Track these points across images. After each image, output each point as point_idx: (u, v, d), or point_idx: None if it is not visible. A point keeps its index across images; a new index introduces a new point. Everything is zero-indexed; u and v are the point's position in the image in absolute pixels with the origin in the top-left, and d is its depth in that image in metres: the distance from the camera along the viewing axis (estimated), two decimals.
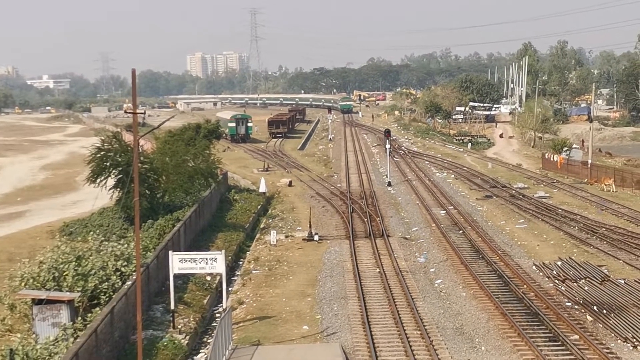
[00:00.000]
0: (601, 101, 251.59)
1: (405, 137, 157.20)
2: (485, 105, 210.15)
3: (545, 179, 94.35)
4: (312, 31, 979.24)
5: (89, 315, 34.11)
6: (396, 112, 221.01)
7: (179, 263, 37.71)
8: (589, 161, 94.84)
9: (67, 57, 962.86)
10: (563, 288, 44.33)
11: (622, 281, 45.18)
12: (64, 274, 37.18)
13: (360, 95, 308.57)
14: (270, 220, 68.41)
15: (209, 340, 37.75)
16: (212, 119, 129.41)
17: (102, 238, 44.03)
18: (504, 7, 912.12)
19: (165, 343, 35.31)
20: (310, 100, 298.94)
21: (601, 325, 37.71)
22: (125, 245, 42.07)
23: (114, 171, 58.17)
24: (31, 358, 29.84)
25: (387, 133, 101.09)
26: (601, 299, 41.58)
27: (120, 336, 33.89)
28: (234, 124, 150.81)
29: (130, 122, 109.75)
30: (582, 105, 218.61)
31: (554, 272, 47.76)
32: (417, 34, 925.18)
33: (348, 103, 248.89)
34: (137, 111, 28.29)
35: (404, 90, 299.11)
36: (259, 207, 74.04)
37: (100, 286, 37.31)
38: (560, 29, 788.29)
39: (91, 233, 46.74)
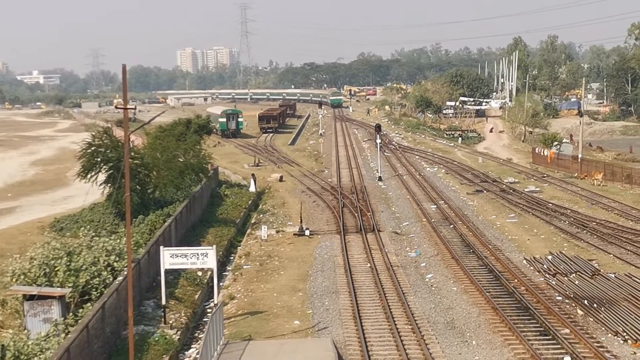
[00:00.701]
0: (591, 95, 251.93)
1: (396, 131, 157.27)
2: (475, 99, 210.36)
3: (535, 174, 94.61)
4: (302, 26, 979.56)
5: (81, 310, 34.08)
6: (387, 107, 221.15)
7: (170, 258, 37.65)
8: (579, 155, 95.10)
9: (57, 53, 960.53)
10: (554, 282, 44.46)
11: (613, 275, 45.34)
12: (55, 269, 37.13)
13: (350, 90, 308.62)
14: (261, 215, 68.41)
15: (200, 336, 37.75)
16: (203, 114, 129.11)
17: (93, 233, 43.97)
18: (494, 2, 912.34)
19: (156, 338, 35.29)
20: (298, 95, 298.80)
21: (592, 319, 37.83)
22: (117, 241, 42.04)
23: (104, 167, 58.08)
24: (23, 354, 29.79)
25: (378, 128, 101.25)
26: (592, 293, 41.71)
27: (112, 332, 33.88)
28: (224, 119, 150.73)
29: (121, 117, 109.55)
30: (572, 100, 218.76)
31: (545, 266, 47.87)
32: (408, 28, 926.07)
33: (338, 98, 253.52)
34: (128, 107, 28.26)
35: (395, 85, 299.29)
36: (249, 202, 74.04)
37: (91, 282, 37.23)
38: (550, 24, 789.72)
39: (82, 229, 46.68)
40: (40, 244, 40.83)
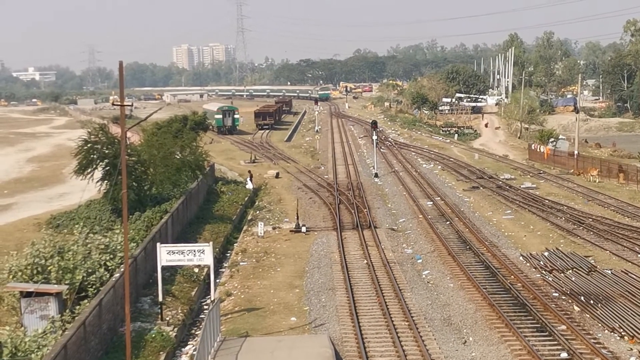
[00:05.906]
0: (587, 92, 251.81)
1: (392, 128, 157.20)
2: (471, 96, 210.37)
3: (531, 170, 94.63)
4: (298, 23, 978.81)
5: (77, 307, 34.06)
6: (386, 104, 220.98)
7: (166, 255, 37.68)
8: (576, 152, 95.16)
9: (53, 49, 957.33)
10: (550, 278, 44.52)
11: (609, 271, 45.41)
12: (48, 267, 37.13)
13: (346, 87, 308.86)
14: (258, 212, 68.37)
15: (197, 332, 37.79)
16: (199, 110, 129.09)
17: (87, 230, 43.90)
18: None
19: (153, 335, 35.32)
20: (274, 91, 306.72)
21: (588, 316, 37.89)
22: (115, 237, 42.02)
23: (101, 163, 58.09)
24: (20, 350, 29.81)
25: (374, 124, 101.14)
26: (588, 290, 41.78)
27: (109, 328, 33.88)
28: (220, 116, 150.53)
29: (117, 114, 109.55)
30: (568, 96, 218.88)
31: (541, 262, 47.93)
32: (403, 25, 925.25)
33: (326, 92, 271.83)
34: (125, 103, 28.23)
35: (391, 81, 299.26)
36: (246, 198, 73.99)
37: (88, 279, 37.24)
38: (547, 20, 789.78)
39: (76, 226, 46.40)
40: (36, 241, 40.84)
